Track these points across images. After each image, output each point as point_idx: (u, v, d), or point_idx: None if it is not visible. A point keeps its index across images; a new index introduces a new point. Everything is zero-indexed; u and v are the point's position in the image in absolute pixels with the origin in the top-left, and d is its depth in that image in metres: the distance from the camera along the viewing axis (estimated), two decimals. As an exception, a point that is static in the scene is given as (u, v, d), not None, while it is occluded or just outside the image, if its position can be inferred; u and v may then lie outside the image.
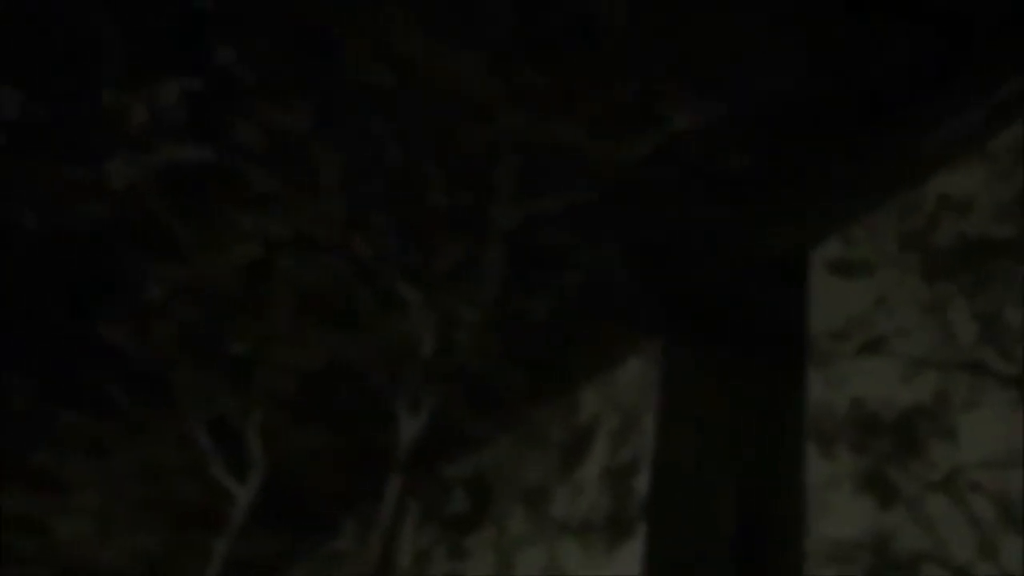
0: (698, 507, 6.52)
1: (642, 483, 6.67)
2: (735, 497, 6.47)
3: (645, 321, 6.52)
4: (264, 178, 6.10)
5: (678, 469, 6.60)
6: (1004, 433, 5.21)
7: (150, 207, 6.43)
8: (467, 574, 7.91)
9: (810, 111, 5.33)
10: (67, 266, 7.14)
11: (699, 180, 5.56)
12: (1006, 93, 5.29)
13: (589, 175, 5.54)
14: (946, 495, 5.30)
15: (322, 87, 5.80)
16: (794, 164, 5.54)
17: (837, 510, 5.69)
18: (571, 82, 5.32)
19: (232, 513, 7.34)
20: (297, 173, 6.02)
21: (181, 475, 8.24)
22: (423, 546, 8.40)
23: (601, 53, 5.28)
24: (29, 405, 7.81)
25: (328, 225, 6.07)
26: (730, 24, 5.10)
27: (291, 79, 5.90)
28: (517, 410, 7.45)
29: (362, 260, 6.18)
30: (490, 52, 5.39)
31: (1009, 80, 5.22)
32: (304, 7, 5.75)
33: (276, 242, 6.27)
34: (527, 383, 6.93)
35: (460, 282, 6.06)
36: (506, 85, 5.41)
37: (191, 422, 7.58)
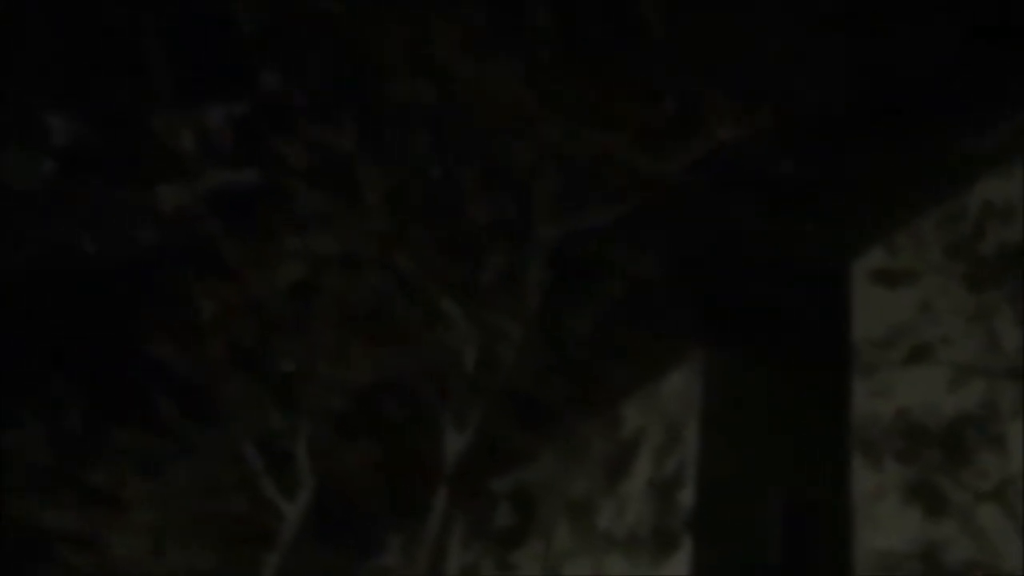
0: (744, 519, 6.33)
1: (687, 496, 6.50)
2: (781, 509, 6.29)
3: (688, 333, 6.37)
4: (309, 198, 6.03)
5: (723, 481, 6.42)
6: (1052, 441, 5.02)
7: (199, 228, 6.37)
8: (514, 588, 7.76)
9: (852, 120, 5.17)
10: (121, 287, 7.10)
11: (741, 191, 5.41)
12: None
13: (631, 186, 5.41)
14: (996, 505, 5.10)
15: (364, 105, 5.72)
16: (836, 173, 5.38)
17: (885, 521, 5.48)
18: (612, 94, 5.20)
19: (282, 529, 7.24)
20: (341, 191, 5.94)
21: (233, 492, 8.15)
22: (470, 560, 8.26)
23: (641, 65, 5.16)
24: (84, 424, 7.77)
25: (372, 242, 5.97)
26: (770, 34, 4.96)
27: (334, 99, 5.83)
28: (561, 424, 7.31)
29: (406, 276, 6.07)
30: (531, 65, 5.28)
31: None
32: (345, 28, 5.68)
33: (321, 260, 6.18)
34: (571, 397, 6.78)
35: (503, 296, 5.93)
36: (547, 98, 5.30)
37: (241, 439, 7.49)
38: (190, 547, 8.45)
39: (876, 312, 5.74)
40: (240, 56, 5.95)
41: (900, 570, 5.29)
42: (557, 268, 5.74)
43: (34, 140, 6.25)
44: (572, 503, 7.45)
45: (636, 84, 5.23)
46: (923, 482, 5.37)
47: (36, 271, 6.29)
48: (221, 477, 7.96)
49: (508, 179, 5.66)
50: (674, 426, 6.78)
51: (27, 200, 6.08)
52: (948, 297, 5.49)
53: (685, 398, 6.74)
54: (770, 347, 6.28)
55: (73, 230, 6.72)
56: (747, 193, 5.43)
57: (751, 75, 5.11)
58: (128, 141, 6.36)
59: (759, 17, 4.90)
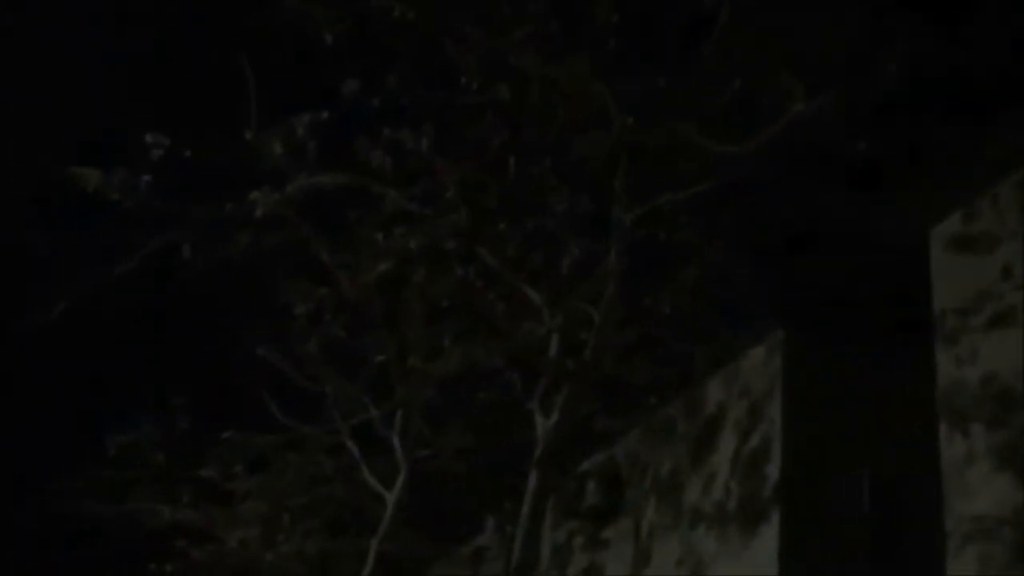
0: (831, 490, 6.06)
1: (773, 470, 6.27)
2: (868, 479, 6.01)
3: (767, 309, 6.12)
4: (392, 197, 5.92)
5: (809, 454, 6.15)
6: None
7: (292, 232, 6.30)
8: (606, 564, 7.59)
9: (926, 91, 4.88)
10: (222, 292, 7.08)
11: (817, 168, 5.16)
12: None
13: (705, 170, 5.19)
14: (1088, 465, 4.79)
15: (442, 106, 5.60)
16: (913, 145, 5.09)
17: (976, 487, 5.19)
18: (684, 81, 4.99)
19: (382, 515, 7.18)
20: (422, 190, 5.82)
21: (336, 482, 8.14)
22: (562, 538, 8.12)
23: (711, 50, 4.95)
24: (194, 423, 7.80)
25: (455, 237, 5.84)
26: (841, 8, 4.71)
27: (412, 102, 5.71)
28: (646, 404, 7.12)
29: (489, 268, 5.93)
30: (601, 59, 5.10)
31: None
32: (421, 34, 5.56)
33: (408, 256, 6.07)
34: (654, 377, 6.59)
35: (584, 283, 5.76)
36: (619, 89, 5.11)
37: (341, 431, 7.46)
38: (298, 536, 8.45)
39: (957, 279, 5.43)
40: (323, 66, 5.85)
41: (994, 535, 4.99)
42: (636, 253, 5.54)
43: (134, 158, 6.23)
44: (659, 480, 7.26)
45: (707, 70, 5.01)
46: (1012, 446, 5.06)
47: (142, 279, 6.27)
48: (324, 468, 7.95)
49: (583, 169, 5.48)
50: (757, 402, 6.54)
51: (130, 212, 6.06)
52: (1029, 260, 5.16)
53: (766, 374, 6.49)
54: (851, 320, 6.01)
55: (172, 239, 6.67)
56: (821, 170, 5.17)
57: (821, 54, 4.85)
58: (221, 152, 6.32)
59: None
